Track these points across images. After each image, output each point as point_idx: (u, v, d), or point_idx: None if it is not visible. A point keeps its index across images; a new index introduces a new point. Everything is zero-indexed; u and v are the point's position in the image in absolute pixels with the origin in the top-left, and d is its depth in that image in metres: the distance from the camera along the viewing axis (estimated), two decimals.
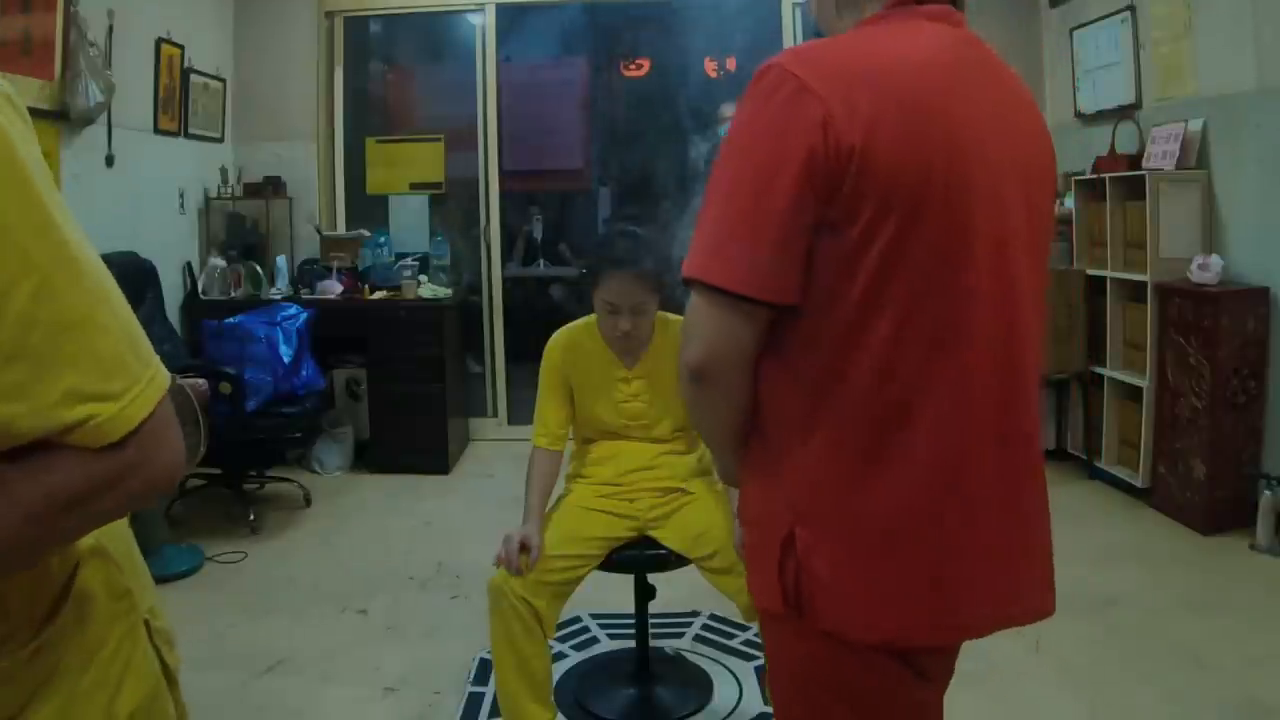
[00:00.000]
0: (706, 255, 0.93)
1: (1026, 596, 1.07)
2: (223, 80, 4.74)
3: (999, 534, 0.99)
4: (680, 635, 2.74)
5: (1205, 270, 3.51)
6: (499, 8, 5.00)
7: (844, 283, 0.92)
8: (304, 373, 3.92)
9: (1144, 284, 3.75)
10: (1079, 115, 4.61)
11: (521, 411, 4.87)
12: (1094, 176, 4.12)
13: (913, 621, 0.98)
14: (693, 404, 1.02)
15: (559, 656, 2.57)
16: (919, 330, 0.92)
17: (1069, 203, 4.38)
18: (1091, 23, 4.43)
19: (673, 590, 2.55)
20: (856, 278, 0.91)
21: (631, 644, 2.46)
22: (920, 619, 0.99)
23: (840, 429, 0.95)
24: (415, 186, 5.14)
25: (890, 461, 0.94)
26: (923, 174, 0.90)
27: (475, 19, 5.07)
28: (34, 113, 3.18)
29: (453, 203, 5.26)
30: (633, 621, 2.40)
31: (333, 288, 4.55)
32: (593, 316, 2.22)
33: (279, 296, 4.43)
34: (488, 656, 2.34)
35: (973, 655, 2.68)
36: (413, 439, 4.39)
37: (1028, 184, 1.01)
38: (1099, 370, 4.09)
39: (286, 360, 3.80)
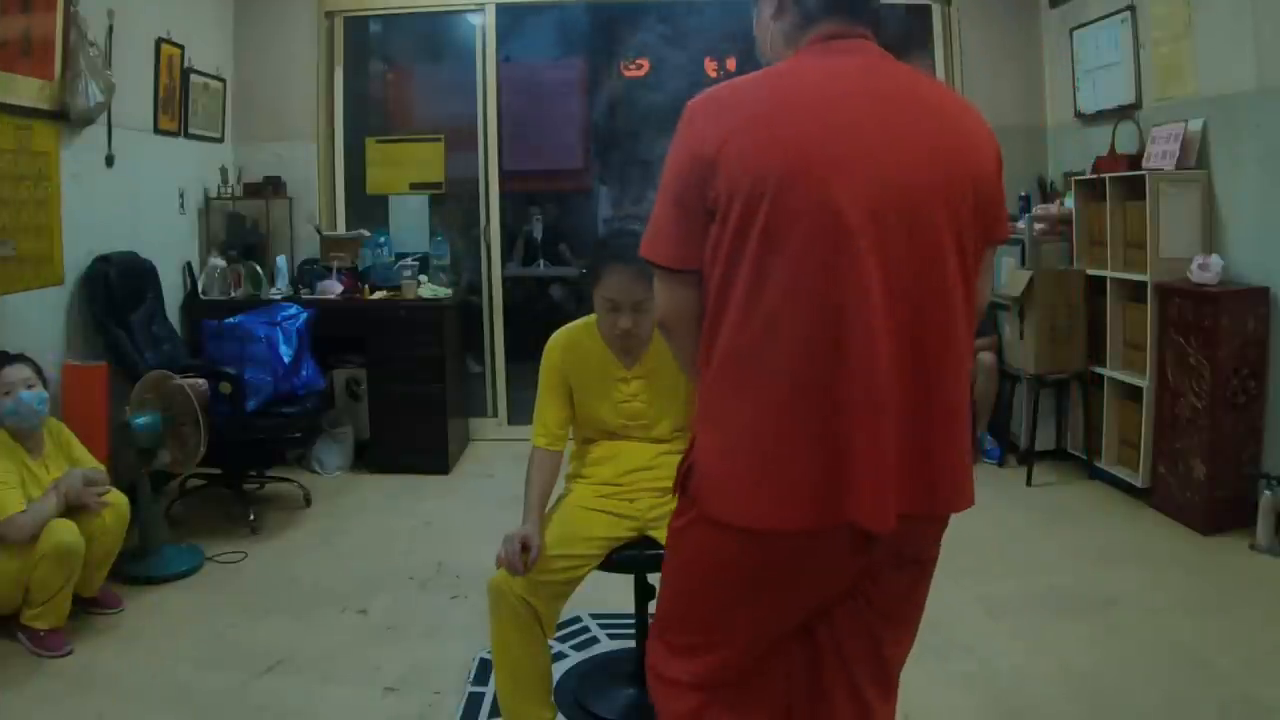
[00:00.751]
0: (647, 240, 1.33)
1: (896, 492, 1.23)
2: (223, 80, 4.74)
3: (852, 439, 1.21)
4: None
5: (1205, 270, 3.51)
6: (499, 8, 5.00)
7: (716, 257, 1.25)
8: (304, 373, 3.92)
9: (1144, 284, 3.75)
10: (1079, 115, 4.62)
11: (521, 411, 4.87)
12: (1094, 176, 4.12)
13: (775, 509, 1.23)
14: (667, 344, 1.43)
15: (559, 656, 2.57)
16: (762, 293, 1.22)
17: (1069, 203, 4.39)
18: (1091, 23, 4.43)
19: None
20: (720, 254, 1.24)
21: (631, 644, 2.46)
22: (777, 505, 1.23)
23: (723, 359, 1.26)
24: (415, 186, 5.14)
25: (750, 382, 1.24)
26: (760, 177, 1.19)
27: (475, 19, 5.07)
28: (34, 113, 3.20)
29: (453, 203, 5.26)
30: (633, 621, 2.40)
31: (333, 288, 4.55)
32: (593, 316, 2.22)
33: (279, 296, 4.43)
34: (488, 656, 2.35)
35: (973, 655, 2.69)
36: (413, 439, 4.39)
37: (910, 192, 1.23)
38: (1099, 370, 4.09)
39: (286, 360, 3.80)
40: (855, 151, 1.21)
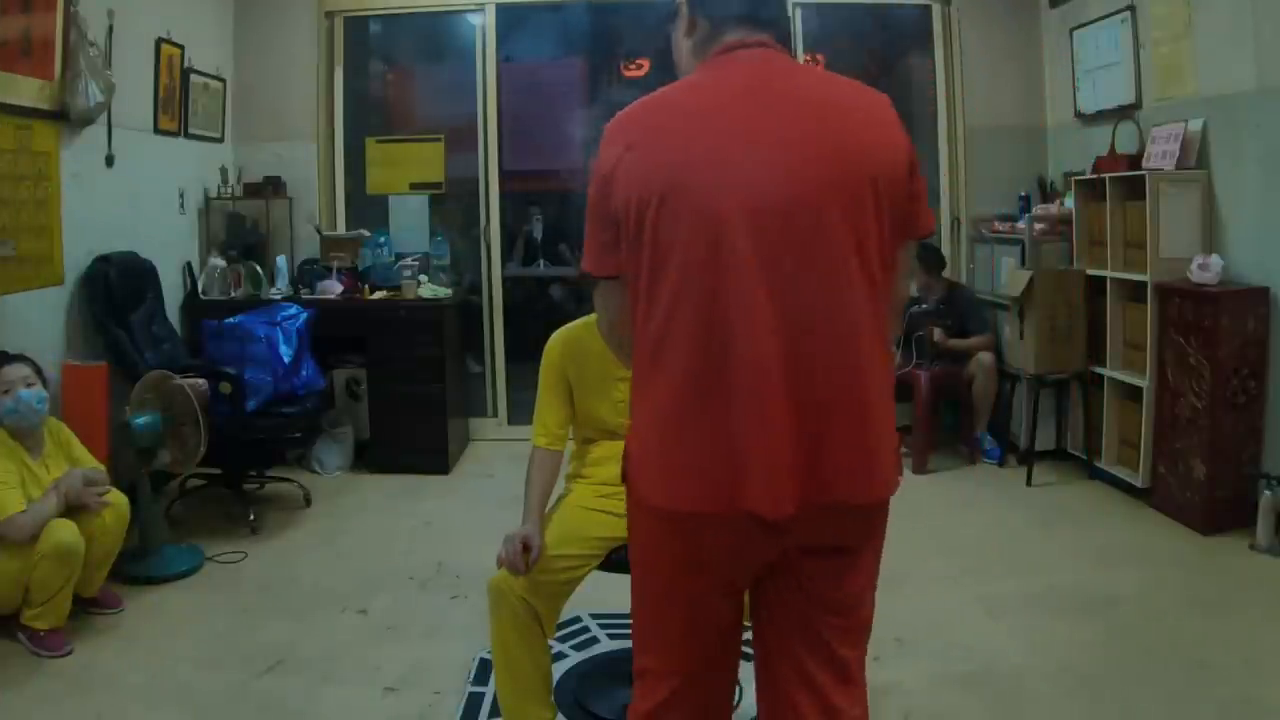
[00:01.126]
0: (584, 253, 1.43)
1: (793, 482, 1.28)
2: (223, 80, 4.74)
3: (727, 437, 1.28)
4: None
5: (1205, 270, 3.51)
6: (499, 8, 5.00)
7: (624, 263, 1.36)
8: (304, 373, 3.92)
9: (1144, 284, 3.75)
10: (1079, 115, 4.62)
11: (521, 411, 4.87)
12: (1094, 176, 4.12)
13: (674, 491, 1.32)
14: (609, 345, 1.55)
15: (559, 656, 2.57)
16: (659, 295, 1.31)
17: (1069, 203, 4.39)
18: (1091, 23, 4.43)
19: None
20: (627, 260, 1.35)
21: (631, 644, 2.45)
22: (679, 489, 1.31)
23: (639, 353, 1.37)
24: (415, 186, 5.14)
25: (657, 376, 1.33)
26: (646, 187, 1.29)
27: (475, 19, 5.07)
28: (34, 113, 3.19)
29: (453, 203, 5.27)
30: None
31: (333, 288, 4.55)
32: (592, 316, 2.21)
33: (279, 296, 4.43)
34: (488, 656, 2.35)
35: (973, 655, 2.68)
36: (413, 439, 4.39)
37: (798, 193, 1.28)
38: (1099, 370, 4.09)
39: (286, 360, 3.80)
40: (740, 156, 1.28)
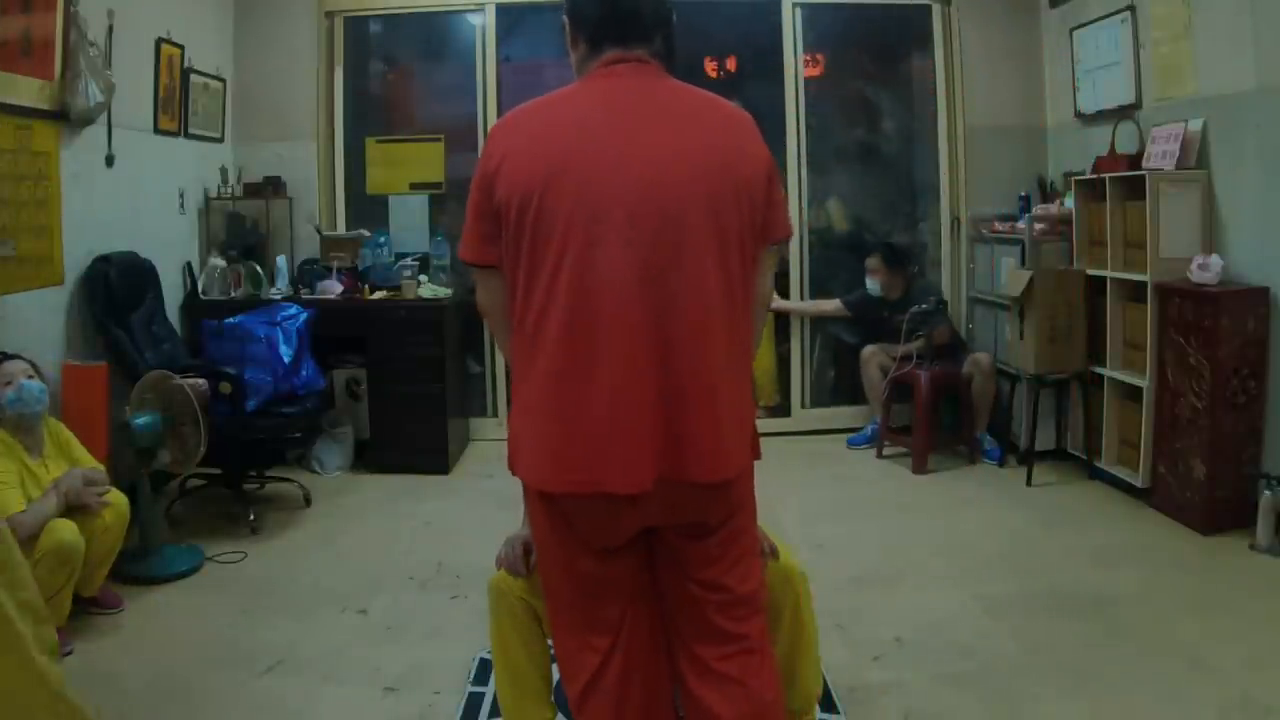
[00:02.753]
0: (461, 243, 1.57)
1: (650, 459, 1.40)
2: (223, 80, 4.74)
3: (587, 421, 1.40)
4: None
5: (1205, 270, 3.51)
6: (499, 8, 5.00)
7: (506, 253, 1.48)
8: (304, 373, 3.92)
9: (1144, 284, 3.75)
10: (1079, 115, 4.62)
11: None
12: (1094, 176, 4.12)
13: (544, 472, 1.45)
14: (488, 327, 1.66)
15: None
16: (535, 283, 1.43)
17: (1069, 203, 4.39)
18: (1091, 23, 4.43)
19: None
20: (508, 251, 1.47)
21: None
22: (548, 470, 1.44)
23: (516, 339, 1.49)
24: (415, 186, 5.14)
25: (530, 364, 1.45)
26: (527, 184, 1.42)
27: (475, 19, 5.07)
28: (34, 113, 3.19)
29: (453, 203, 5.26)
30: None
31: (333, 288, 4.55)
32: None
33: (279, 296, 4.43)
34: (488, 656, 2.34)
35: (973, 655, 2.68)
36: (413, 439, 4.39)
37: (663, 196, 1.41)
38: (1099, 370, 4.09)
39: (286, 360, 3.80)
40: (611, 160, 1.41)
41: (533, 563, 2.01)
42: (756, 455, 1.56)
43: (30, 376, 2.80)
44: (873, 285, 4.76)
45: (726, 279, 1.44)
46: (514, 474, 1.52)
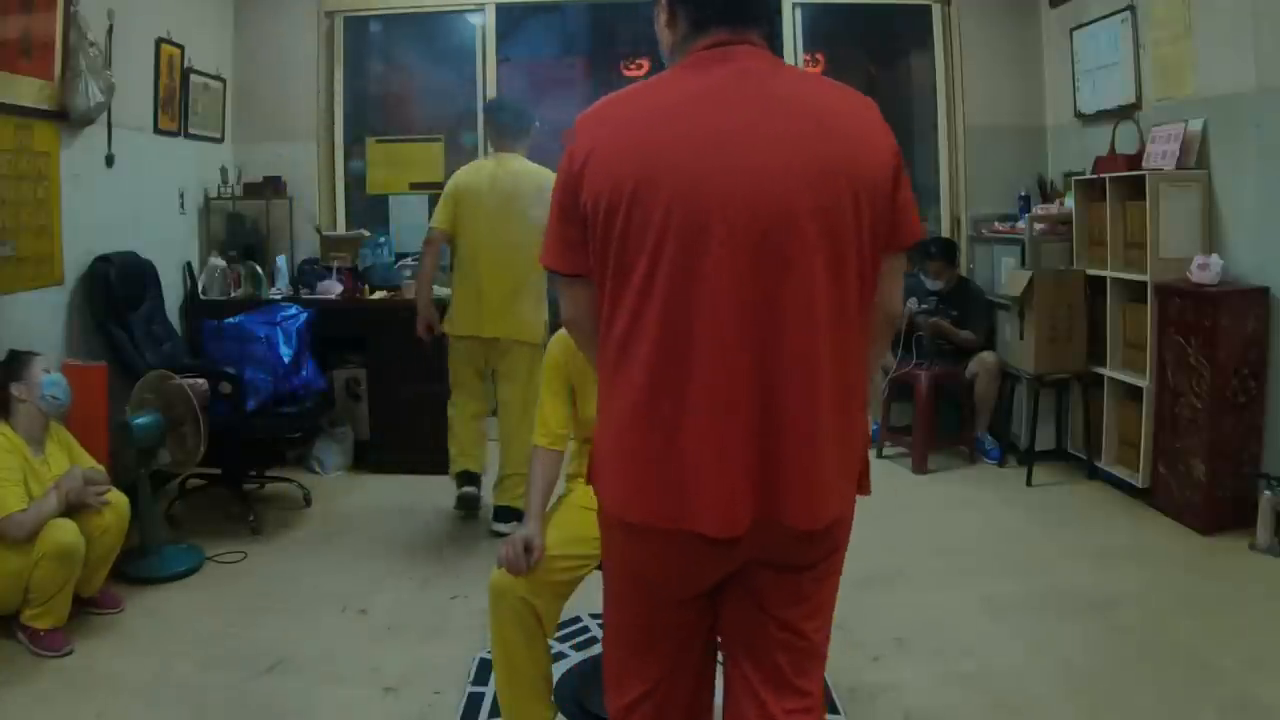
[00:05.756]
0: (543, 249, 1.39)
1: (745, 499, 1.25)
2: (223, 80, 4.74)
3: (683, 448, 1.25)
4: None
5: (1205, 270, 3.51)
6: (499, 8, 5.00)
7: (594, 262, 1.31)
8: (304, 373, 3.92)
9: (1144, 284, 3.75)
10: (1079, 115, 4.62)
11: None
12: (1094, 176, 4.12)
13: (627, 499, 1.30)
14: (576, 344, 1.53)
15: (559, 656, 2.56)
16: (623, 296, 1.27)
17: (1069, 203, 4.39)
18: (1091, 23, 4.43)
19: None
20: (595, 259, 1.30)
21: None
22: (631, 497, 1.30)
23: (604, 356, 1.33)
24: (415, 186, 5.14)
25: (619, 378, 1.30)
26: (616, 185, 1.24)
27: (475, 19, 5.07)
28: (34, 113, 3.20)
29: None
30: None
31: (333, 288, 4.55)
32: None
33: (279, 296, 4.43)
34: (488, 656, 2.34)
35: (973, 655, 2.68)
36: (413, 439, 4.39)
37: (773, 200, 1.23)
38: (1099, 370, 4.09)
39: (286, 360, 3.80)
40: (715, 159, 1.22)
41: (533, 561, 2.01)
42: (864, 491, 1.39)
43: (47, 369, 2.86)
44: (933, 283, 4.67)
45: (840, 299, 1.26)
46: (594, 490, 1.39)
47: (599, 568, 2.12)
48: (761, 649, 1.38)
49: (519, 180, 3.57)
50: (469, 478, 3.80)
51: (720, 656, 1.47)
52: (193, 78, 4.42)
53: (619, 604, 1.45)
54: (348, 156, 5.16)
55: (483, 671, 2.50)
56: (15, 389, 2.78)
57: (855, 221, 1.25)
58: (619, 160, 1.25)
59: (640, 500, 1.29)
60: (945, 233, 5.09)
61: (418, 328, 3.73)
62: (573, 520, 2.14)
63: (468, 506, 3.82)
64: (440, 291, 3.93)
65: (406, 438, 4.39)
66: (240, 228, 4.72)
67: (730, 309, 1.22)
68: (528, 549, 2.00)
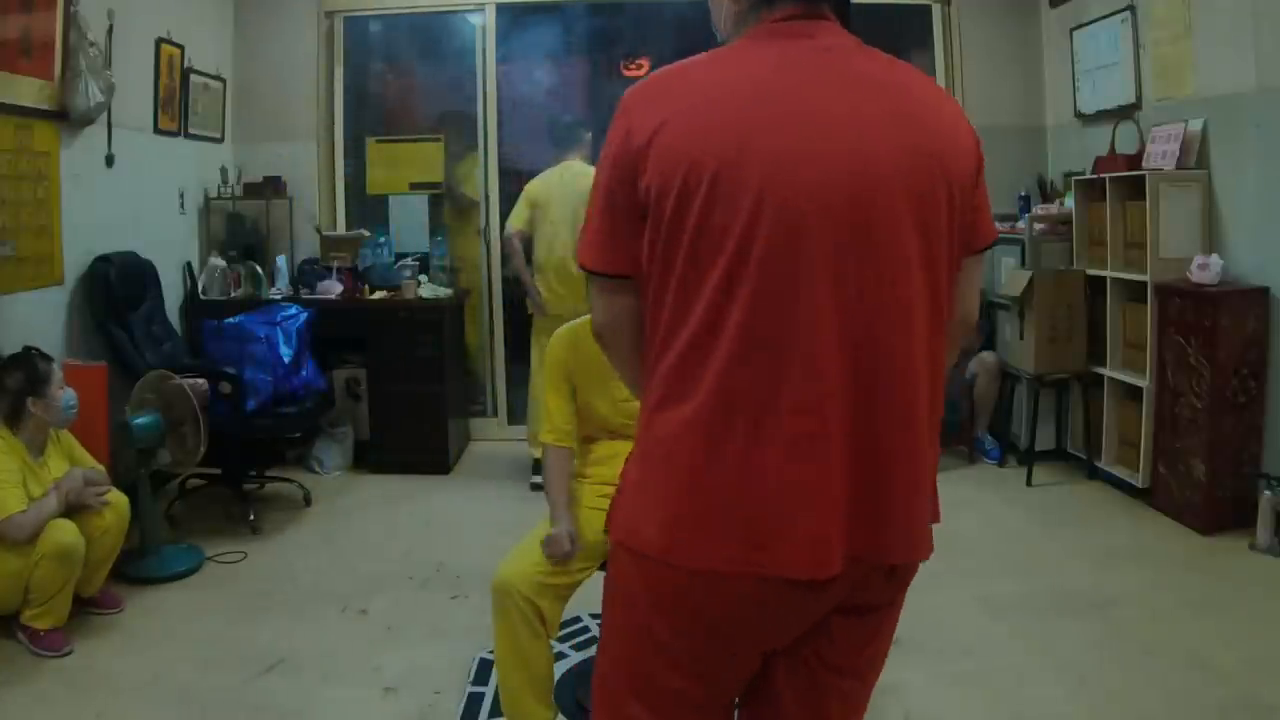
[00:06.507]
0: (581, 244, 1.18)
1: (840, 533, 1.08)
2: (223, 80, 4.74)
3: (762, 483, 1.06)
4: None
5: (1205, 270, 3.51)
6: (499, 8, 5.00)
7: (651, 259, 1.11)
8: (304, 373, 3.92)
9: (1144, 284, 3.75)
10: (1079, 115, 4.62)
11: (521, 412, 4.87)
12: (1094, 176, 4.12)
13: (682, 538, 1.08)
14: (607, 359, 1.27)
15: (559, 656, 2.56)
16: (696, 300, 1.08)
17: (1069, 203, 4.39)
18: (1091, 23, 4.43)
19: None
20: (654, 255, 1.10)
21: None
22: (688, 535, 1.08)
23: (652, 372, 1.13)
24: (415, 186, 5.14)
25: (676, 399, 1.10)
26: (694, 167, 1.05)
27: (475, 19, 5.07)
28: (34, 113, 3.20)
29: (453, 203, 5.26)
30: None
31: (333, 288, 4.55)
32: None
33: (279, 296, 4.43)
34: (488, 656, 2.35)
35: (973, 655, 2.68)
36: (413, 439, 4.39)
37: (870, 191, 1.07)
38: (1099, 370, 4.09)
39: (286, 360, 3.80)
40: (806, 142, 1.07)
41: (577, 550, 2.06)
42: (935, 518, 1.24)
43: (61, 386, 2.88)
44: None
45: (934, 303, 1.13)
46: (613, 537, 1.18)
47: (602, 568, 2.14)
48: (811, 702, 1.20)
49: (577, 180, 4.06)
50: None
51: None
52: (193, 78, 4.42)
53: (635, 672, 1.19)
54: (348, 156, 5.16)
55: (483, 671, 2.50)
56: (34, 405, 2.77)
57: (948, 216, 1.13)
58: (696, 138, 1.07)
59: (699, 539, 1.07)
60: None
61: (529, 308, 4.29)
62: (577, 521, 2.14)
63: None
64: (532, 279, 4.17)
65: (406, 438, 4.39)
66: (240, 228, 4.72)
67: (830, 316, 1.06)
68: (572, 541, 2.05)
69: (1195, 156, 3.73)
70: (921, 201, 1.09)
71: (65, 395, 2.86)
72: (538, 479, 3.94)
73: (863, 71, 1.13)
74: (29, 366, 2.80)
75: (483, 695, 2.41)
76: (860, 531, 1.09)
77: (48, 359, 2.88)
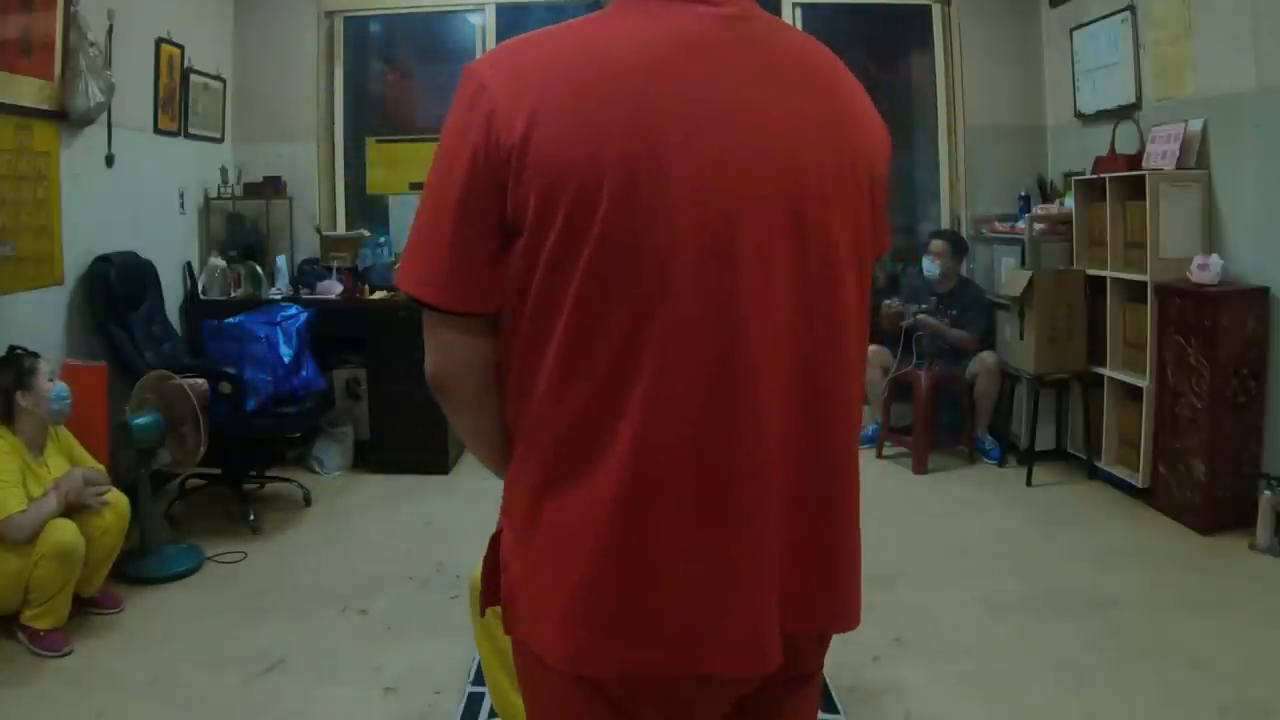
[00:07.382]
0: (408, 267, 0.92)
1: (728, 638, 0.89)
2: (223, 80, 4.74)
3: (693, 566, 0.88)
4: None
5: (1205, 270, 3.51)
6: (499, 8, 5.00)
7: (525, 290, 0.87)
8: (304, 373, 3.92)
9: (1144, 284, 3.75)
10: (1079, 115, 4.62)
11: None
12: (1094, 176, 4.12)
13: (591, 643, 0.88)
14: (445, 412, 0.99)
15: None
16: (592, 344, 0.85)
17: (1069, 203, 4.39)
18: (1091, 23, 4.43)
19: None
20: (531, 285, 0.86)
21: None
22: (601, 640, 0.88)
23: (527, 441, 0.91)
24: (415, 186, 5.14)
25: (576, 467, 0.87)
26: (594, 165, 0.83)
27: (475, 19, 5.07)
28: (34, 113, 3.20)
29: None
30: None
31: (333, 288, 4.55)
32: None
33: (279, 296, 4.43)
34: None
35: (973, 655, 2.68)
36: (413, 439, 4.39)
37: (804, 191, 0.90)
38: (1099, 370, 4.09)
39: (286, 360, 3.80)
40: (735, 144, 0.87)
41: None
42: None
43: (52, 379, 2.87)
44: (931, 268, 4.52)
45: (862, 330, 0.98)
46: (514, 637, 0.97)
47: None
48: None
49: None
50: None
51: None
52: (193, 78, 4.42)
53: None
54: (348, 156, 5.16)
55: (482, 672, 2.50)
56: (22, 398, 2.77)
57: (870, 219, 0.97)
58: (590, 137, 0.84)
59: (614, 642, 0.88)
60: None
61: None
62: None
63: None
64: None
65: (406, 438, 4.39)
66: (240, 228, 4.72)
67: (773, 354, 0.88)
68: None
69: (1195, 156, 3.73)
70: (851, 201, 0.94)
71: (55, 388, 2.84)
72: None
73: (779, 50, 0.94)
74: (13, 362, 2.83)
75: (483, 695, 2.41)
76: (798, 603, 0.93)
77: (33, 355, 2.89)
